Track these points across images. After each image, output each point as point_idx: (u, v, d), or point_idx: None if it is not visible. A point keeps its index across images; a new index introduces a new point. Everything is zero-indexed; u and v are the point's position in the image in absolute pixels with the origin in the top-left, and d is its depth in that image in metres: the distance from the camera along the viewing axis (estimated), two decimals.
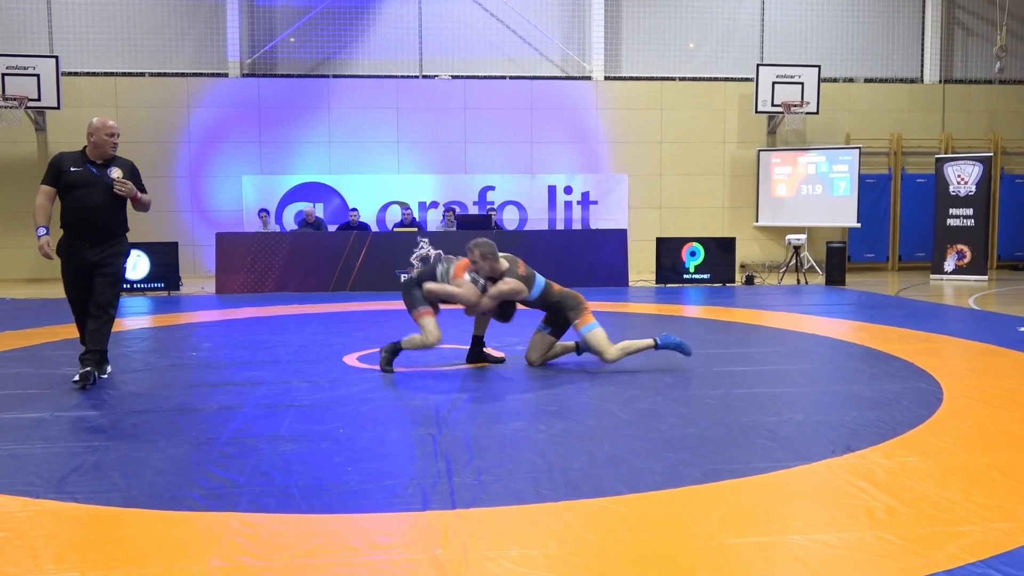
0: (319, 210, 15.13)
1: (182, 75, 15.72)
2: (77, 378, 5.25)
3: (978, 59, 17.19)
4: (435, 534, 2.81)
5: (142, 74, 15.69)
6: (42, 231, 5.37)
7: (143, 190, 5.59)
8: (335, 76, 15.97)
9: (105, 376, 5.54)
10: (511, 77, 16.24)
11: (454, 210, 14.39)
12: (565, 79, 16.32)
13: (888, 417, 4.39)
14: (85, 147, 5.47)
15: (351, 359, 6.33)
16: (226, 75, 15.72)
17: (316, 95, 15.75)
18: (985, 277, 14.02)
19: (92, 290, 5.39)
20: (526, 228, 15.21)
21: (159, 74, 15.72)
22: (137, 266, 12.25)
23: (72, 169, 5.38)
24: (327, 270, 12.39)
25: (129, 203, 5.57)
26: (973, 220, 14.15)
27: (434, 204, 15.55)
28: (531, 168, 16.03)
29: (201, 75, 15.74)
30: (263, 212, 14.39)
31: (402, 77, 16.05)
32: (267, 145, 15.68)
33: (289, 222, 15.27)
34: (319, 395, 5.02)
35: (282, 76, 15.94)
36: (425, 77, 16.18)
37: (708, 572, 2.52)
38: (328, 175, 15.65)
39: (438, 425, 4.27)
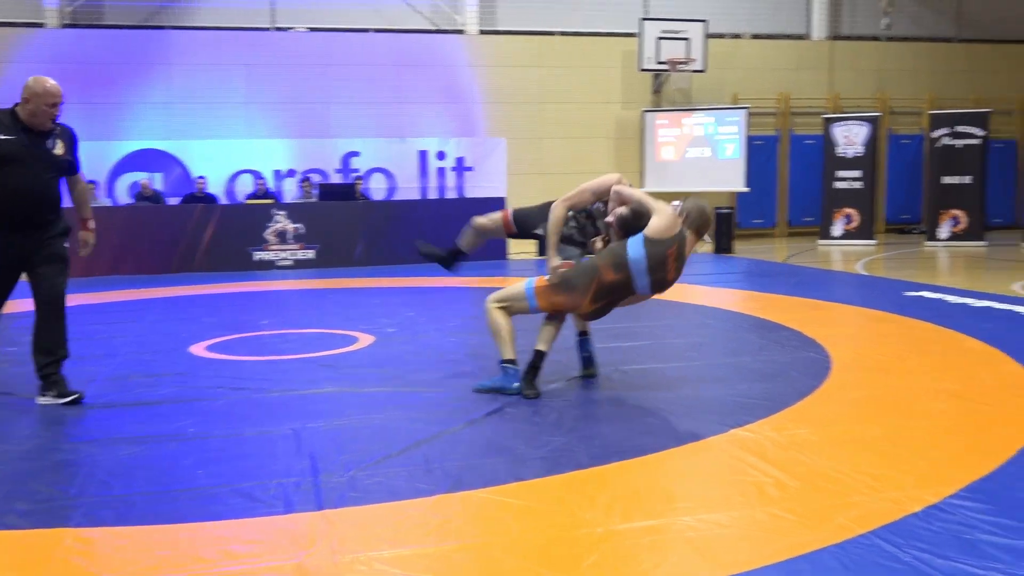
0: (158, 181, 14.52)
1: None
2: (59, 399, 4.48)
3: (866, 15, 18.07)
4: (300, 539, 2.77)
5: None
6: None
7: (77, 167, 4.69)
8: (173, 28, 15.31)
9: None
10: (376, 30, 15.98)
11: (309, 179, 14.09)
12: (436, 32, 16.19)
13: (777, 389, 4.62)
14: (15, 107, 4.40)
15: (199, 349, 6.14)
16: (42, 25, 14.81)
17: (152, 50, 15.04)
18: (873, 241, 14.86)
19: (39, 282, 4.49)
20: (395, 198, 15.04)
21: None
22: None
23: (2, 138, 4.32)
24: (168, 249, 11.92)
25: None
26: (861, 183, 14.95)
27: (291, 172, 15.17)
28: (400, 132, 15.85)
29: (12, 25, 14.75)
30: (91, 184, 13.72)
31: (252, 29, 15.54)
32: (95, 107, 14.87)
33: (123, 195, 14.60)
34: (164, 391, 4.86)
35: (110, 27, 15.14)
36: (279, 29, 15.72)
37: (595, 560, 2.59)
38: (167, 140, 14.99)
39: (301, 418, 4.21)
